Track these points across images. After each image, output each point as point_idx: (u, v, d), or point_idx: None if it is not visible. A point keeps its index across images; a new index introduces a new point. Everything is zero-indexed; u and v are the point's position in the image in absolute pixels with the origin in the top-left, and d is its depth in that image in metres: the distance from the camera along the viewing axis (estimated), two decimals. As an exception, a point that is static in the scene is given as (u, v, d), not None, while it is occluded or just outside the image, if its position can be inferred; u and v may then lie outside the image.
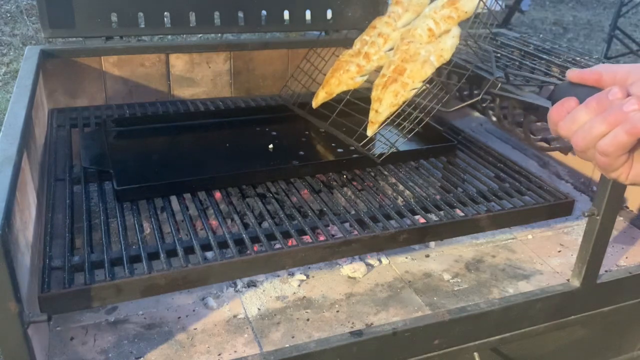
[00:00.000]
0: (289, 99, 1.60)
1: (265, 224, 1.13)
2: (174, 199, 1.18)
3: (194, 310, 1.12)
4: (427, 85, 1.26)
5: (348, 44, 1.88)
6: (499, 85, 1.28)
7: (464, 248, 1.37)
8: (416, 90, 1.24)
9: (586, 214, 1.14)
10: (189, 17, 1.68)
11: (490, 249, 1.37)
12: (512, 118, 1.40)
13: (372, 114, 1.27)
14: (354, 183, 1.31)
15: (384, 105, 1.25)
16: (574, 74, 0.59)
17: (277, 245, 1.05)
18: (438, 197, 1.24)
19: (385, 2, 1.88)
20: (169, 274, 0.95)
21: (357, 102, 1.38)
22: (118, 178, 1.17)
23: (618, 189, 1.12)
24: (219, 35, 3.20)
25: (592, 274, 1.21)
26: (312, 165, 1.33)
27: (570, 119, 0.56)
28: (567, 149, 1.48)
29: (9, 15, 5.22)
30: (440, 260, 1.32)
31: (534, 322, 1.22)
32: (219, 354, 1.01)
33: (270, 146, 1.41)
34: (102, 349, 1.01)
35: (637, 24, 6.75)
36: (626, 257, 1.37)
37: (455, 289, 1.22)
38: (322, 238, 1.07)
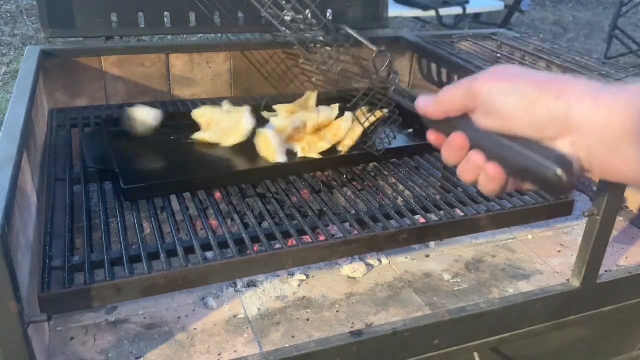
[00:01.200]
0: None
1: (265, 224, 1.13)
2: (174, 199, 1.18)
3: (194, 310, 1.12)
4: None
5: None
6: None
7: (464, 248, 1.37)
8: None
9: (586, 214, 1.14)
10: (189, 17, 1.68)
11: (490, 249, 1.37)
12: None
13: None
14: (354, 183, 1.31)
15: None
16: (424, 110, 0.55)
17: (277, 245, 1.05)
18: (438, 197, 1.24)
19: (385, 2, 1.88)
20: (169, 274, 0.95)
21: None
22: (124, 177, 1.17)
23: (618, 189, 1.12)
24: (219, 35, 3.20)
25: (592, 274, 1.21)
26: (312, 163, 1.33)
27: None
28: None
29: (9, 15, 5.22)
30: (440, 260, 1.32)
31: (534, 322, 1.22)
32: (219, 354, 1.01)
33: (270, 146, 1.40)
34: (102, 349, 1.01)
35: (637, 24, 6.75)
36: (626, 257, 1.37)
37: (455, 289, 1.22)
38: (322, 238, 1.07)
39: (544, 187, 0.50)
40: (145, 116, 1.34)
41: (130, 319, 1.09)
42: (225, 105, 1.43)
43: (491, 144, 0.51)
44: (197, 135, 1.37)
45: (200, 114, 1.39)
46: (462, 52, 1.61)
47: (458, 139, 0.52)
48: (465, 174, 0.53)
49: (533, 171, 0.48)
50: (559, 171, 0.47)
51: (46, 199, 1.16)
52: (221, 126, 1.37)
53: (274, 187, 1.24)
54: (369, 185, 1.28)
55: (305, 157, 1.32)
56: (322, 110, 1.42)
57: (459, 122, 0.53)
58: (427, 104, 0.55)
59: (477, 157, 0.52)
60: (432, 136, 0.56)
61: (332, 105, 1.40)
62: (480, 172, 0.52)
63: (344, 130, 1.34)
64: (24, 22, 5.03)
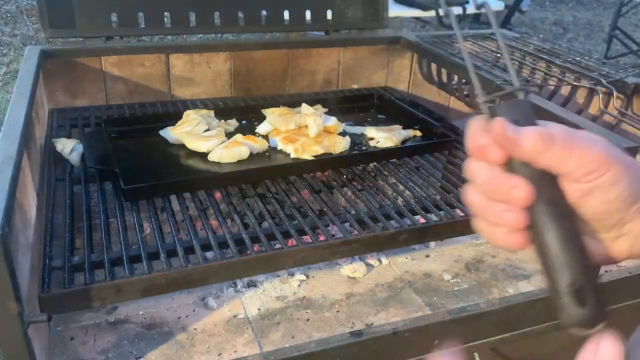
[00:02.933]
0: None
1: (265, 224, 1.13)
2: (174, 199, 1.18)
3: (194, 310, 1.12)
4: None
5: (349, 44, 1.88)
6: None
7: (464, 248, 1.37)
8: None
9: (586, 214, 1.14)
10: (189, 17, 1.68)
11: (490, 249, 1.37)
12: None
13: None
14: (354, 183, 1.31)
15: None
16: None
17: (277, 245, 1.05)
18: (438, 197, 1.24)
19: (385, 2, 1.88)
20: (169, 274, 0.95)
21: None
22: (124, 177, 1.17)
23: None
24: (219, 35, 3.20)
25: (592, 274, 1.21)
26: (312, 162, 1.33)
27: None
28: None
29: (9, 15, 5.22)
30: (440, 260, 1.32)
31: (534, 322, 1.22)
32: (219, 354, 1.01)
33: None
34: (102, 349, 1.01)
35: (637, 24, 6.75)
36: (626, 257, 1.37)
37: (455, 289, 1.22)
38: (322, 238, 1.08)
39: None
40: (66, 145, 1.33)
41: (130, 319, 1.09)
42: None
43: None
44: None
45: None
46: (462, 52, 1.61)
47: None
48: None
49: None
50: None
51: (46, 199, 1.16)
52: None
53: (274, 187, 1.24)
54: (369, 185, 1.28)
55: (297, 158, 1.32)
56: (330, 120, 1.44)
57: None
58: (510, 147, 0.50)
59: None
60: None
61: (339, 122, 1.47)
62: None
63: (341, 147, 1.38)
64: (24, 22, 5.03)
